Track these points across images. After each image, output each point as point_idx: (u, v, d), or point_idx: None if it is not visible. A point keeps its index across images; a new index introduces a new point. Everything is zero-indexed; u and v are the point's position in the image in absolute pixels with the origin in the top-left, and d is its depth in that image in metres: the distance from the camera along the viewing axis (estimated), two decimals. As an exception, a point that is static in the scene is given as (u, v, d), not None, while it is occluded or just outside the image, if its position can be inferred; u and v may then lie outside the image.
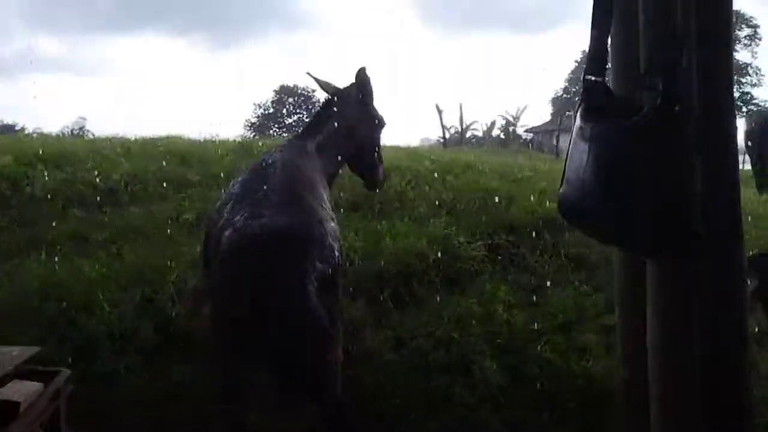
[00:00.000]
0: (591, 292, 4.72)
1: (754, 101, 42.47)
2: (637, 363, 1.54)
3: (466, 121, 35.84)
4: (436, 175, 6.07)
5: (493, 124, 40.28)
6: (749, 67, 43.21)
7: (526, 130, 42.76)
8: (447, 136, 31.44)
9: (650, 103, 1.30)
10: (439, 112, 28.01)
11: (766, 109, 10.66)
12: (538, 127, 42.62)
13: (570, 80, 51.43)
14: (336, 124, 3.56)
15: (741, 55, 43.19)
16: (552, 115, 47.95)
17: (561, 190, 1.59)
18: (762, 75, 45.37)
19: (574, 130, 1.52)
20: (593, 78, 1.46)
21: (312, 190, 2.80)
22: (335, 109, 3.61)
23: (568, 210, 1.55)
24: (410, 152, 8.09)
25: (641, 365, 1.52)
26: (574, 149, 1.51)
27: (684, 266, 1.43)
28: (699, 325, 1.43)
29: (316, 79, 3.87)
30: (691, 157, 1.33)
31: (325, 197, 2.94)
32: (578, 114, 1.50)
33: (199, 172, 6.46)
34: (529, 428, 3.41)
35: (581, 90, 1.52)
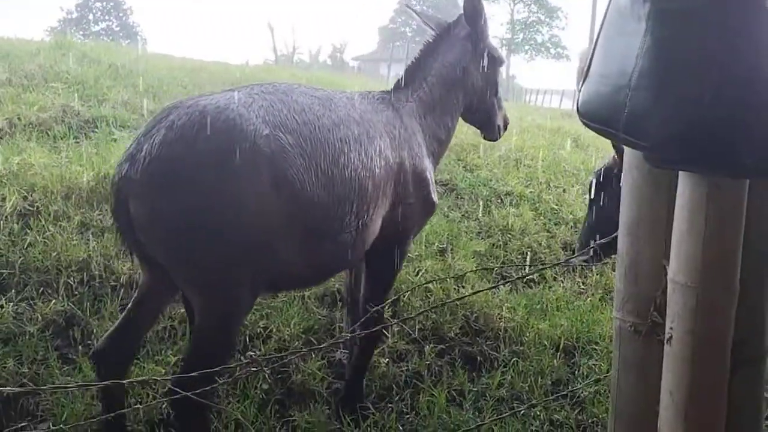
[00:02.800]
0: (460, 219, 4.65)
1: (561, 44, 45.99)
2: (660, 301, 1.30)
3: (293, 44, 34.73)
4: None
5: (319, 49, 39.65)
6: (559, 11, 46.50)
7: (354, 58, 42.64)
8: (275, 57, 30.18)
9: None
10: (271, 30, 26.52)
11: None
12: (365, 55, 42.55)
13: (397, 11, 51.80)
14: (440, 71, 2.92)
15: (552, -1, 46.30)
16: (379, 44, 48.13)
17: (585, 88, 1.26)
18: (567, 19, 49.15)
19: (615, 9, 1.19)
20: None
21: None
22: (439, 52, 2.95)
23: (597, 110, 1.22)
24: (263, 68, 7.37)
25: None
26: (618, 34, 1.18)
27: (734, 186, 1.19)
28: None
29: (416, 12, 3.25)
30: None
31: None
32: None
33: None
34: (412, 360, 3.23)
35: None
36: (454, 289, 3.73)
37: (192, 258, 2.09)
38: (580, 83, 1.27)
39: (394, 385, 3.10)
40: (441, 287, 3.72)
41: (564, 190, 5.42)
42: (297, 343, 3.13)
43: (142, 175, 2.02)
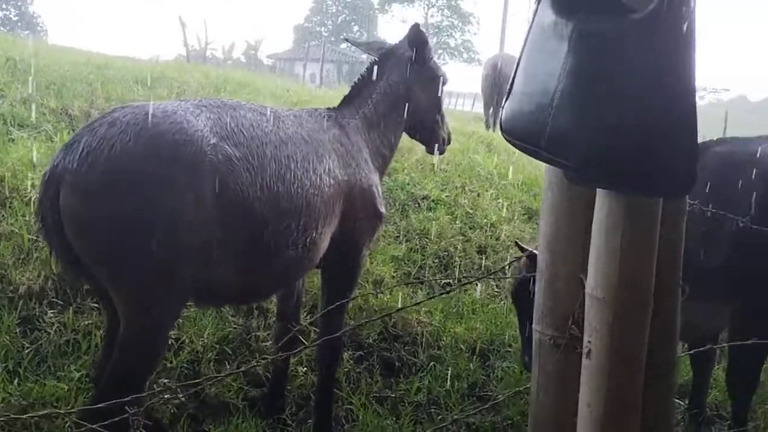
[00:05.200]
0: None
1: (473, 49, 47.25)
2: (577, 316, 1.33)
3: (206, 39, 33.76)
4: (210, 90, 5.36)
5: (233, 45, 38.91)
6: (471, 17, 47.71)
7: (269, 56, 42.02)
8: (188, 52, 29.19)
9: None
10: (183, 25, 25.63)
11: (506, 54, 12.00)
12: (280, 54, 41.99)
13: (312, 9, 51.49)
14: (385, 89, 2.95)
15: (465, 4, 47.44)
16: (294, 43, 47.65)
17: (508, 105, 1.26)
18: (479, 25, 50.55)
19: (538, 27, 1.20)
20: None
21: None
22: (384, 71, 2.98)
23: (520, 129, 1.23)
24: (175, 65, 7.11)
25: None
26: (541, 53, 1.19)
27: (649, 205, 1.23)
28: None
29: (355, 42, 3.41)
30: (691, 64, 1.10)
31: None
32: (545, 6, 1.18)
33: None
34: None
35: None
36: (372, 294, 3.72)
37: (120, 256, 2.01)
38: (504, 100, 1.28)
39: (312, 394, 3.06)
40: (360, 293, 3.70)
41: (479, 194, 5.53)
42: (210, 354, 3.02)
43: (78, 165, 1.94)
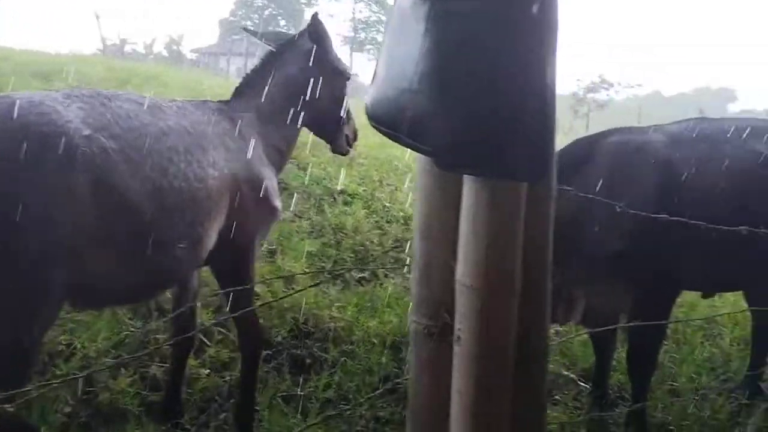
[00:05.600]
0: (292, 218, 4.57)
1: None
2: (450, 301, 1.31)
3: (125, 33, 32.61)
4: (114, 84, 5.13)
5: (154, 40, 37.77)
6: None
7: (192, 50, 40.99)
8: (104, 47, 28.08)
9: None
10: (97, 17, 24.60)
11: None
12: (204, 48, 41.00)
13: (237, 3, 50.51)
14: (282, 82, 2.85)
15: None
16: (219, 37, 46.61)
17: (372, 89, 1.23)
18: None
19: (399, 9, 1.17)
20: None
21: None
22: (281, 64, 2.88)
23: (382, 114, 1.20)
24: (78, 58, 6.79)
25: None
26: (400, 36, 1.16)
27: (513, 190, 1.23)
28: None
29: (252, 33, 3.26)
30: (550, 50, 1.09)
31: None
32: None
33: None
34: (236, 368, 3.10)
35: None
36: (283, 291, 3.65)
37: None
38: (369, 85, 1.25)
39: (217, 397, 2.97)
40: (269, 290, 3.62)
41: (396, 188, 5.54)
42: (105, 359, 2.88)
43: None
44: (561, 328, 3.81)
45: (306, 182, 4.95)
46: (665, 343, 4.09)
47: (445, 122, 1.10)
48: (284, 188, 4.91)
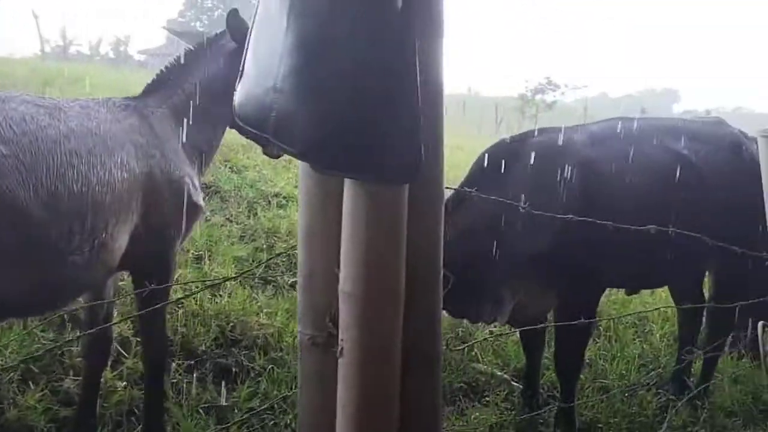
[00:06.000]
0: (222, 223, 4.46)
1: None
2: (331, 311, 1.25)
3: (69, 34, 31.63)
4: (37, 86, 4.91)
5: (100, 41, 36.79)
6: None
7: (140, 52, 40.04)
8: (46, 48, 27.16)
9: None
10: (36, 18, 23.74)
11: None
12: (152, 49, 40.09)
13: (186, 4, 49.60)
14: (201, 81, 2.72)
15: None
16: (167, 38, 45.69)
17: (239, 87, 1.16)
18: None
19: (263, 3, 1.11)
20: None
21: None
22: (201, 62, 2.76)
23: (249, 113, 1.13)
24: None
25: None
26: (265, 31, 1.10)
27: (393, 193, 1.18)
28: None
29: (175, 32, 2.84)
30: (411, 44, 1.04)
31: None
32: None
33: None
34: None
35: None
36: (209, 299, 3.54)
37: None
38: (237, 82, 1.18)
39: (135, 409, 2.84)
40: (194, 298, 3.50)
41: (335, 190, 5.45)
42: (13, 374, 2.73)
43: None
44: (495, 329, 3.81)
45: (239, 185, 4.83)
46: (597, 340, 4.14)
47: (310, 122, 1.04)
48: (216, 192, 4.80)
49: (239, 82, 1.17)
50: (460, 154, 6.65)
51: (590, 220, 2.23)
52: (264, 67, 1.09)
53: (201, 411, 2.90)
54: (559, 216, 2.30)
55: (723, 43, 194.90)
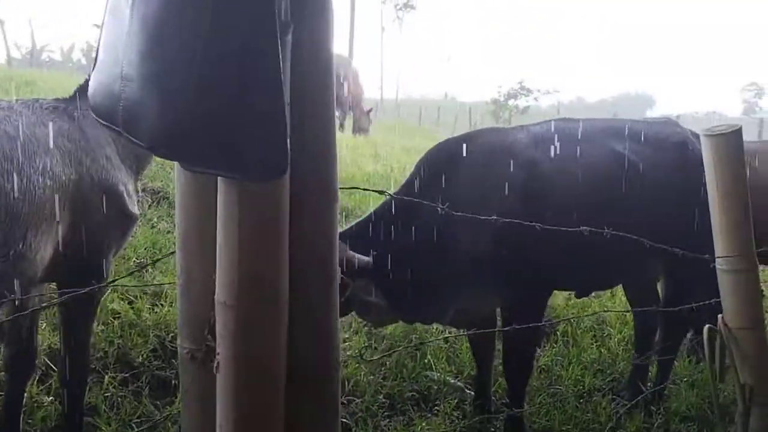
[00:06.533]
0: (170, 229, 4.31)
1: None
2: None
3: (40, 40, 31.14)
4: None
5: (72, 47, 36.33)
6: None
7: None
8: (16, 54, 26.68)
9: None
10: (2, 24, 23.28)
11: None
12: (125, 55, 39.71)
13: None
14: None
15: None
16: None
17: (93, 77, 1.05)
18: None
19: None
20: None
21: None
22: None
23: (102, 104, 1.02)
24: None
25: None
26: (112, 16, 0.99)
27: (271, 191, 1.07)
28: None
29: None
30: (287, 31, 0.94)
31: None
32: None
33: None
34: (88, 394, 2.84)
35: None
36: (148, 308, 3.40)
37: None
38: (90, 71, 1.07)
39: (61, 426, 2.70)
40: (132, 307, 3.36)
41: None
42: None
43: None
44: (450, 335, 3.71)
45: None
46: (554, 345, 4.06)
47: (157, 113, 0.93)
48: (164, 197, 4.66)
49: (92, 70, 1.06)
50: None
51: (517, 222, 2.15)
52: (113, 53, 0.98)
53: (134, 426, 2.76)
54: (482, 218, 2.21)
55: (701, 45, 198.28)
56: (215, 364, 1.13)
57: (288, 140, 0.95)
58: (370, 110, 13.97)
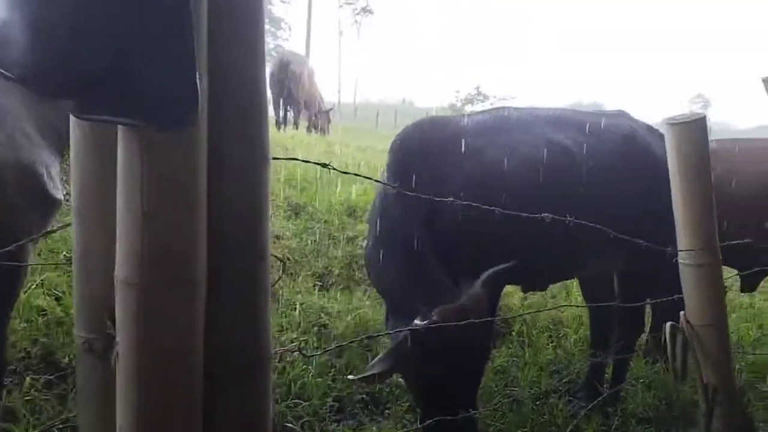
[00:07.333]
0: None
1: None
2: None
3: None
4: None
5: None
6: (283, 22, 47.25)
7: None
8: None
9: None
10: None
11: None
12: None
13: None
14: None
15: (276, 9, 46.97)
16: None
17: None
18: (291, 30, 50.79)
19: None
20: None
21: None
22: None
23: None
24: None
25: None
26: None
27: (184, 146, 0.89)
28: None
29: None
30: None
31: None
32: None
33: None
34: (8, 398, 2.58)
35: None
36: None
37: None
38: None
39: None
40: (60, 303, 3.10)
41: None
42: None
43: None
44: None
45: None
46: (510, 346, 3.95)
47: (30, 37, 0.74)
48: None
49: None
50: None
51: (475, 205, 2.00)
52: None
53: (56, 430, 2.51)
54: (438, 199, 2.06)
55: (650, 58, 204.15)
56: (114, 354, 0.94)
57: (197, 73, 0.77)
58: (330, 110, 13.79)
